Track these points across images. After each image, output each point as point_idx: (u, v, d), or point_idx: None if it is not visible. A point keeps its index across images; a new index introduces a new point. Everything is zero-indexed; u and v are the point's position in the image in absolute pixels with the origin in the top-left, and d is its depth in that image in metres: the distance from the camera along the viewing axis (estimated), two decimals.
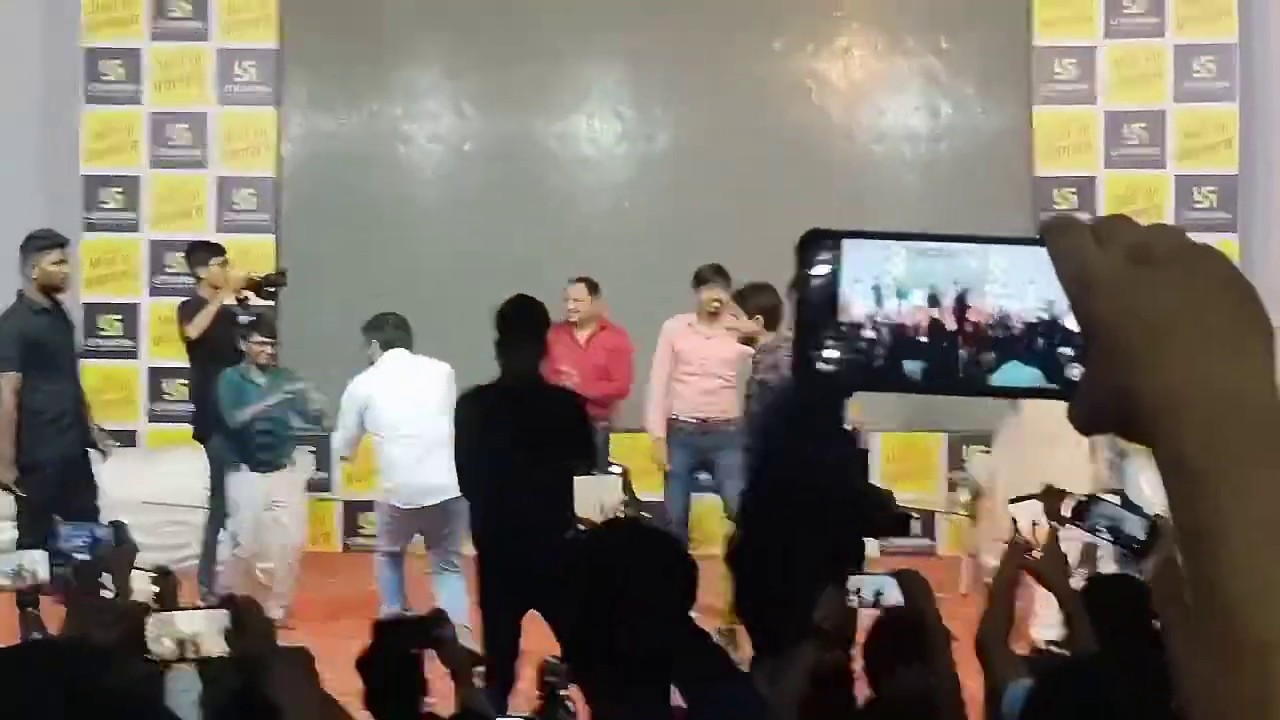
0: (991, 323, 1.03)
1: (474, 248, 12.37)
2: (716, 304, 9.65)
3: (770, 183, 12.31)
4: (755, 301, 8.82)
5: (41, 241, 8.92)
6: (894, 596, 3.83)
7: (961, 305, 1.03)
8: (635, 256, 12.10)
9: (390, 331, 9.03)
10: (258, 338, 9.21)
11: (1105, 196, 12.24)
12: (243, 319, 9.32)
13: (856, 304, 1.05)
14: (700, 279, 9.73)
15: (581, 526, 4.42)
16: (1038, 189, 12.25)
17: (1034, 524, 3.88)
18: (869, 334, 1.04)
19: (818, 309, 1.05)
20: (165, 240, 12.48)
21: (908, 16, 12.62)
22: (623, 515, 4.32)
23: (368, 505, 12.30)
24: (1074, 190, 12.22)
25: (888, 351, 1.04)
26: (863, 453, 6.60)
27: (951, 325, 1.03)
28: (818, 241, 1.10)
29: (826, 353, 1.05)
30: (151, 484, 11.27)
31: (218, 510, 9.60)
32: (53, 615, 4.01)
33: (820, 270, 1.07)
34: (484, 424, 6.68)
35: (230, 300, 9.50)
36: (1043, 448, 7.75)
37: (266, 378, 9.25)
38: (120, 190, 12.52)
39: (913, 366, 1.04)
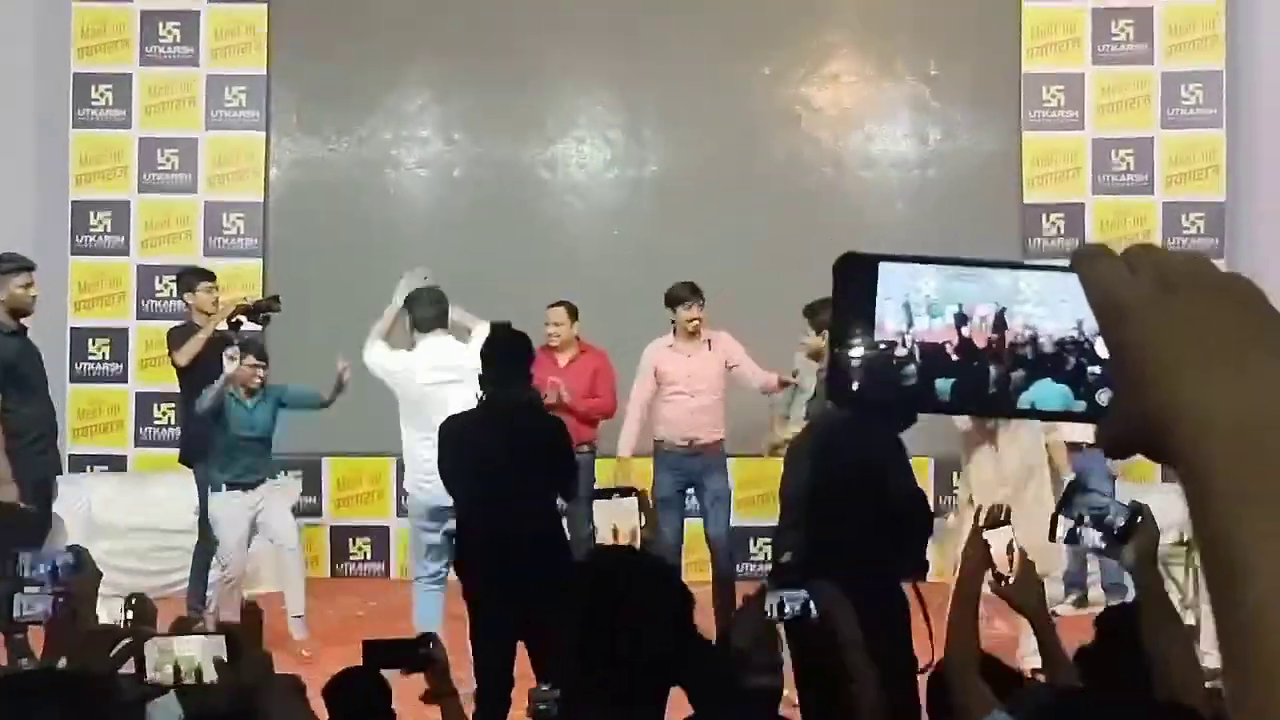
0: (1021, 342, 1.05)
1: (463, 273, 12.33)
2: (695, 323, 9.66)
3: (759, 209, 12.33)
4: (823, 318, 8.67)
5: (8, 265, 8.96)
6: (809, 610, 3.80)
7: (991, 324, 1.05)
8: (624, 282, 12.10)
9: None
10: (251, 360, 9.19)
11: (1093, 223, 12.27)
12: (233, 344, 9.29)
13: (889, 324, 1.06)
14: (676, 299, 9.73)
15: (599, 548, 4.42)
16: (1026, 215, 12.28)
17: (1008, 550, 3.84)
18: (901, 354, 1.05)
19: (852, 330, 1.07)
20: (154, 265, 12.47)
21: (897, 43, 12.65)
22: (640, 538, 4.31)
23: (357, 530, 12.31)
24: (1062, 216, 12.26)
25: (919, 371, 1.05)
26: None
27: (981, 344, 1.05)
28: (853, 264, 1.11)
29: (860, 373, 1.06)
30: (140, 508, 11.27)
31: (206, 534, 9.57)
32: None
33: (855, 292, 1.08)
34: (467, 450, 6.69)
35: (222, 326, 9.49)
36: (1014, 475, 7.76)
37: (253, 400, 9.24)
38: (109, 214, 12.51)
39: (943, 385, 1.05)
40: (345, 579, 11.99)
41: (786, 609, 3.77)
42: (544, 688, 3.56)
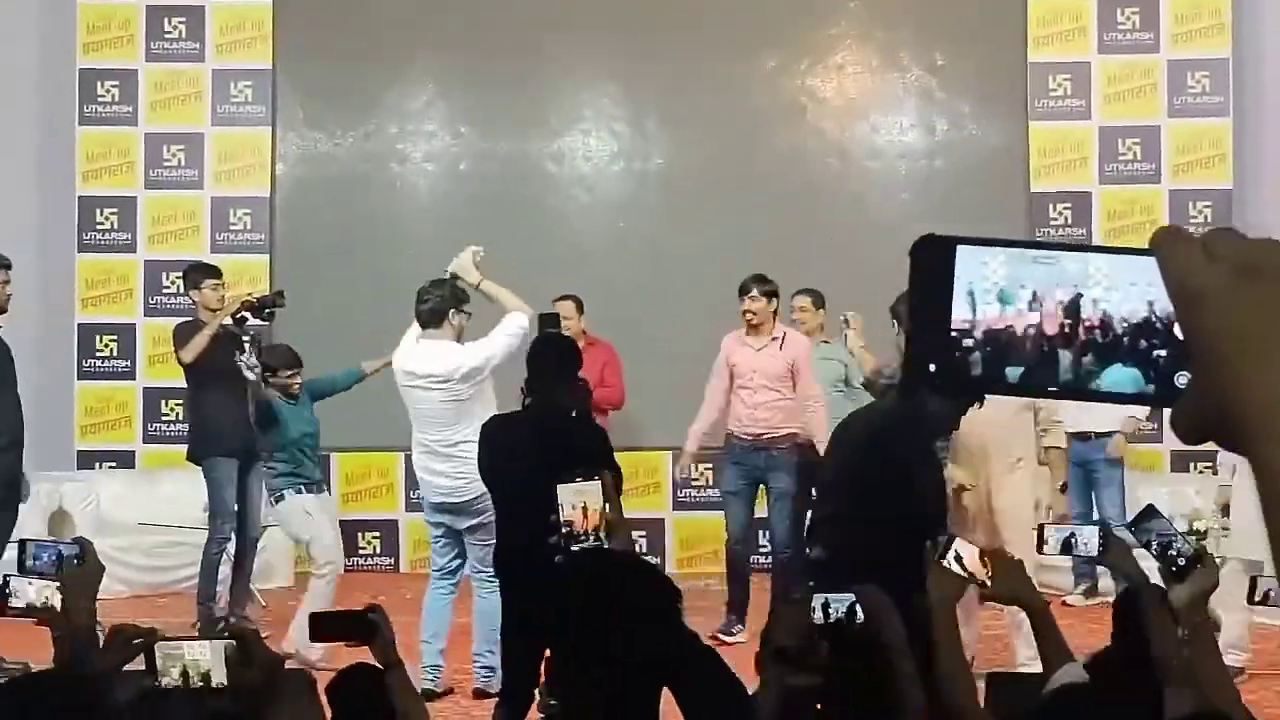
0: (1093, 326, 1.05)
1: None
2: (749, 315, 9.52)
3: (765, 201, 12.32)
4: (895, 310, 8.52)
5: None
6: (855, 614, 3.79)
7: (1065, 309, 1.05)
8: (630, 275, 12.11)
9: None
10: (287, 372, 9.01)
11: (1100, 212, 12.25)
12: (247, 351, 9.16)
13: (964, 308, 1.06)
14: (740, 289, 9.60)
15: (565, 530, 4.42)
16: (1034, 205, 12.26)
17: (980, 559, 3.84)
18: (977, 338, 1.06)
19: (928, 314, 1.07)
20: (161, 260, 12.48)
21: (902, 33, 12.64)
22: (605, 520, 4.31)
23: (366, 524, 12.32)
24: (1069, 206, 12.24)
25: (992, 356, 1.05)
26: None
27: (1053, 329, 1.05)
28: (930, 247, 1.11)
29: (936, 357, 1.06)
30: (148, 505, 11.29)
31: (216, 531, 9.55)
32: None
33: (931, 275, 1.08)
34: (505, 452, 6.67)
35: (227, 321, 9.47)
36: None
37: (299, 401, 9.11)
38: (116, 211, 12.52)
39: (1014, 371, 1.06)
40: (355, 573, 11.97)
41: (831, 612, 3.76)
42: (552, 704, 3.56)
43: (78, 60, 12.50)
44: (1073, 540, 4.09)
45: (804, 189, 12.45)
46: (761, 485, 9.59)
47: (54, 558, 4.03)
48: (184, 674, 3.28)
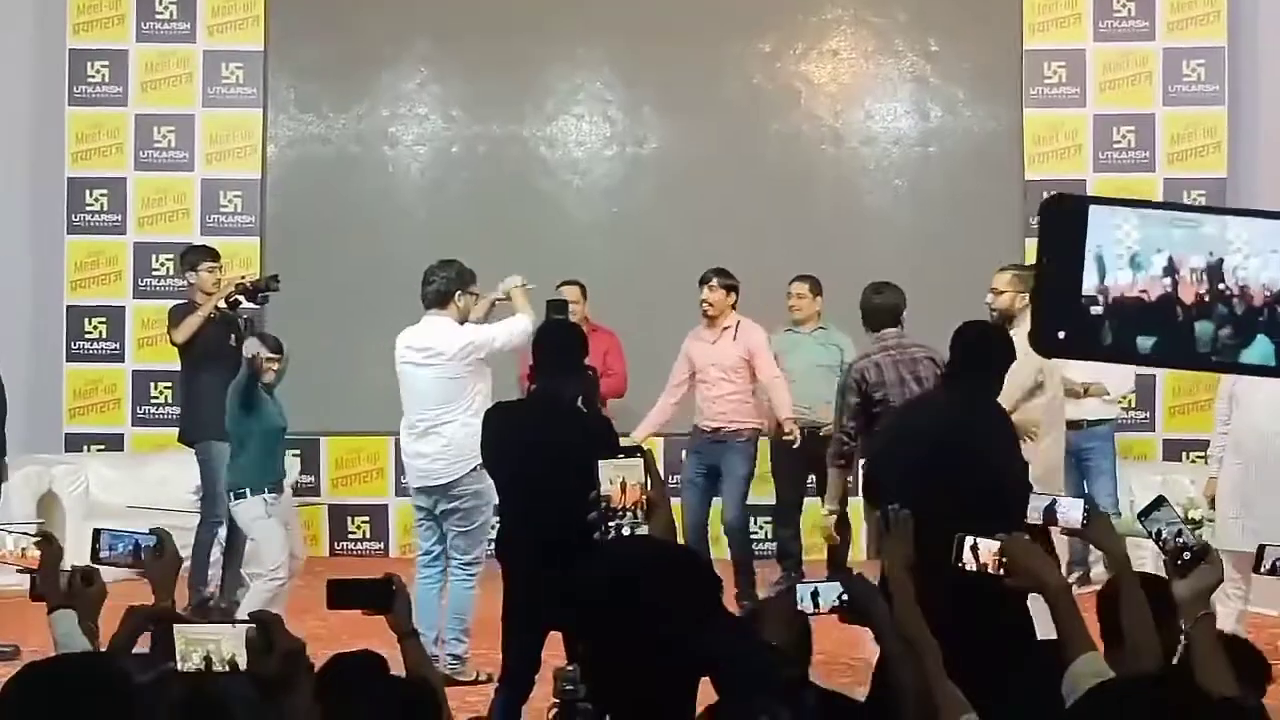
0: (1234, 294, 0.99)
1: (461, 251, 12.28)
2: (707, 306, 9.64)
3: (759, 186, 12.28)
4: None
5: None
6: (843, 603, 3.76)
7: (1205, 277, 0.99)
8: (622, 259, 12.07)
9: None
10: (266, 354, 8.77)
11: None
12: (243, 331, 9.08)
13: (1097, 275, 1.01)
14: (701, 280, 9.71)
15: (603, 506, 4.39)
16: (1028, 192, 12.22)
17: (997, 555, 3.79)
18: (1107, 304, 1.00)
19: (1058, 278, 1.02)
20: (151, 242, 12.42)
21: (897, 19, 12.59)
22: (645, 497, 4.28)
23: (355, 509, 12.28)
24: None
25: (1125, 324, 1.00)
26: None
27: (1190, 299, 1.00)
28: (1060, 207, 1.06)
29: (1066, 323, 1.01)
30: (137, 488, 11.24)
31: (209, 514, 9.50)
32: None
33: (1061, 236, 1.03)
34: (507, 439, 6.63)
35: (221, 305, 9.43)
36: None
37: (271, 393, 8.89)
38: (105, 192, 12.45)
39: (1146, 340, 1.01)
40: (344, 558, 11.97)
41: (820, 602, 3.73)
42: (569, 668, 3.52)
43: (68, 40, 12.42)
44: (1054, 509, 4.09)
45: (797, 174, 12.41)
46: (719, 474, 9.71)
47: (130, 546, 4.03)
48: (207, 659, 3.25)
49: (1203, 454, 10.43)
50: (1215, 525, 8.24)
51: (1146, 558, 9.83)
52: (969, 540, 3.75)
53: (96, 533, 4.09)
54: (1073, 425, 10.06)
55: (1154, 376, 11.79)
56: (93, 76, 12.46)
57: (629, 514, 4.29)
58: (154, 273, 12.41)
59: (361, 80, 12.71)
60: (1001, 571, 3.68)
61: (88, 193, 12.46)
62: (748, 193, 12.24)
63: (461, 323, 8.24)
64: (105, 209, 12.45)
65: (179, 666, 3.24)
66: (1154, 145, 12.18)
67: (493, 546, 7.14)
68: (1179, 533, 3.60)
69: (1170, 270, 1.01)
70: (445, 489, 8.02)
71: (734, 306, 9.75)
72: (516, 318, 8.18)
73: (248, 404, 8.36)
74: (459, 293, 8.26)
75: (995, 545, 3.72)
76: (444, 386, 8.05)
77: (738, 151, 12.40)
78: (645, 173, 12.62)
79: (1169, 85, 12.20)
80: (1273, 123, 12.04)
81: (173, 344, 9.64)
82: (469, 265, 8.55)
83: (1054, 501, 4.17)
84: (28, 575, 4.03)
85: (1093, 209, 1.04)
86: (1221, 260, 1.00)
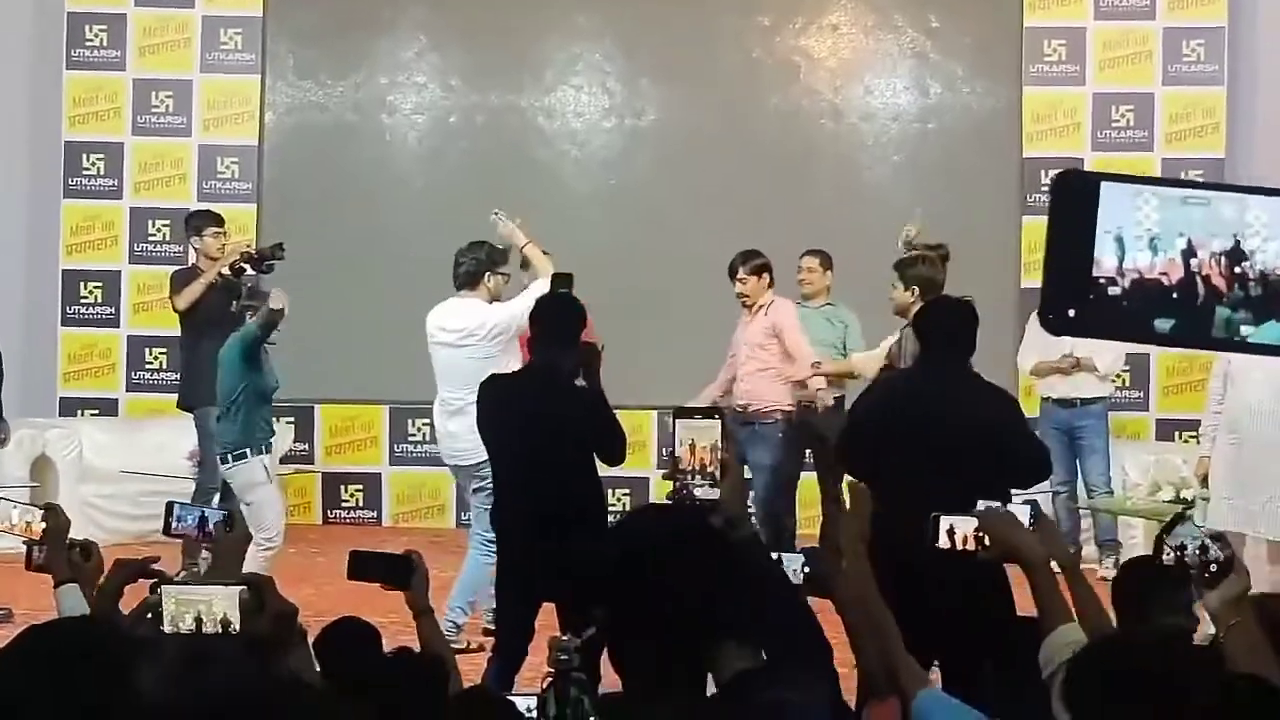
0: (1252, 278, 0.99)
1: (457, 220, 12.28)
2: (743, 298, 9.48)
3: (757, 160, 12.27)
4: (913, 271, 8.20)
5: None
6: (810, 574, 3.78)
7: (1223, 260, 0.99)
8: (620, 231, 12.07)
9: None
10: (254, 301, 8.79)
11: None
12: (244, 294, 9.06)
13: (1110, 254, 1.01)
14: (729, 271, 9.51)
15: (675, 464, 4.40)
16: (1026, 170, 12.22)
17: (976, 533, 3.80)
18: (1123, 285, 1.00)
19: (1068, 256, 1.01)
20: (147, 207, 12.41)
21: None
22: (719, 459, 4.29)
23: (349, 477, 12.29)
24: (1060, 172, 12.19)
25: (1143, 305, 1.00)
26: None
27: (1209, 282, 0.99)
28: (1072, 182, 1.05)
29: (1077, 301, 1.01)
30: (131, 453, 11.24)
31: (207, 481, 9.47)
32: None
33: (1073, 213, 1.02)
34: (501, 412, 6.63)
35: (225, 271, 9.42)
36: None
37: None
38: (102, 157, 12.43)
39: (1164, 323, 1.00)
40: (337, 525, 11.98)
41: (795, 569, 3.75)
42: (564, 638, 3.52)
43: (66, 4, 12.38)
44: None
45: (796, 149, 12.39)
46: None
47: (198, 519, 4.07)
48: (198, 620, 3.27)
49: (1195, 433, 10.44)
50: (1208, 505, 8.26)
51: (1138, 537, 9.91)
52: (944, 521, 3.77)
53: (170, 505, 4.15)
54: (1066, 404, 10.15)
55: (1148, 356, 11.80)
56: (91, 40, 12.43)
57: (697, 475, 4.29)
58: (150, 238, 12.39)
59: (360, 47, 12.69)
60: (979, 548, 3.70)
61: (85, 157, 12.44)
62: (746, 167, 12.23)
63: (491, 303, 8.32)
64: (102, 173, 12.43)
65: (168, 628, 3.25)
66: (1153, 124, 12.17)
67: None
68: (1204, 547, 3.61)
69: (1190, 253, 1.00)
70: (473, 468, 8.06)
71: (771, 286, 9.54)
72: (537, 282, 8.10)
73: (255, 358, 8.31)
74: (488, 273, 8.37)
75: (973, 523, 3.74)
76: (475, 366, 8.02)
77: (736, 125, 12.38)
78: (643, 145, 12.60)
79: (1169, 65, 12.18)
80: (1271, 104, 12.03)
81: (174, 310, 9.64)
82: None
83: (999, 507, 4.15)
84: (24, 544, 4.05)
85: (1105, 186, 1.03)
86: (1240, 243, 1.00)
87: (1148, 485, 9.90)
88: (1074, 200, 1.04)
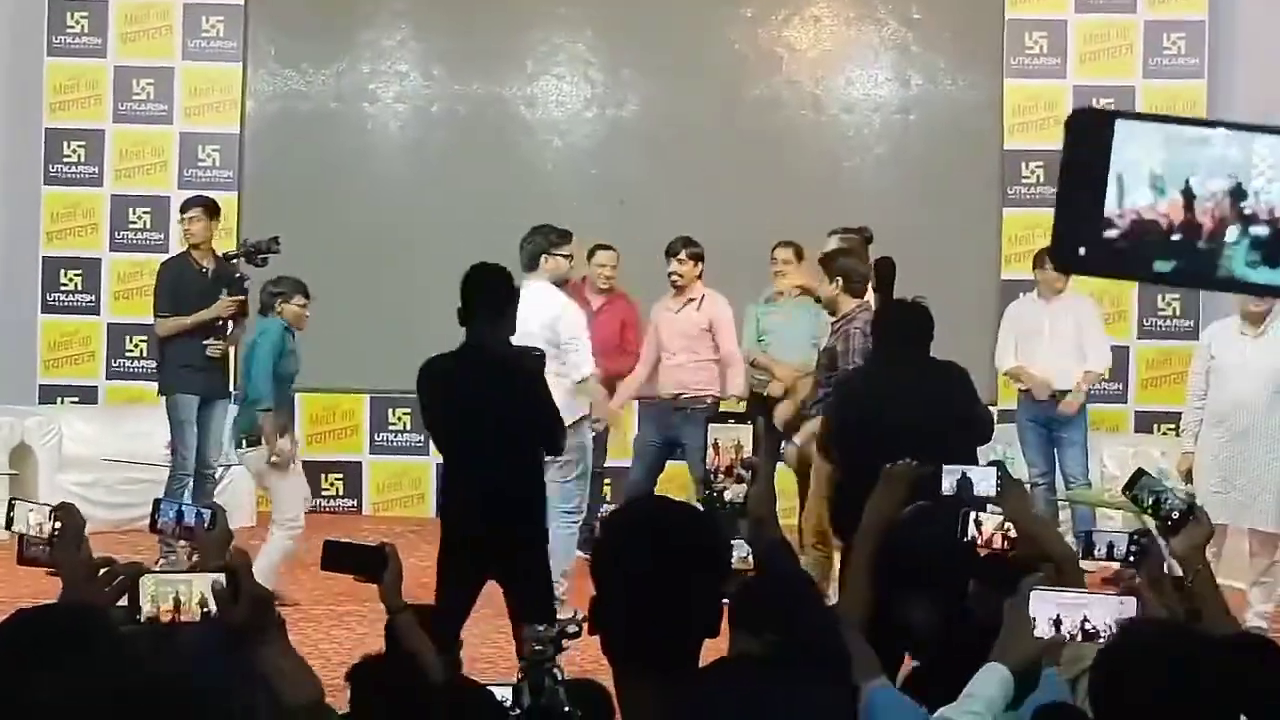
0: (1257, 218, 1.00)
1: (439, 208, 12.31)
2: (676, 278, 9.60)
3: (738, 151, 12.28)
4: (838, 264, 8.35)
5: None
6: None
7: (1226, 200, 1.00)
8: (601, 221, 12.05)
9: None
10: (301, 300, 8.95)
11: None
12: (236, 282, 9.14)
13: (1116, 195, 1.02)
14: (667, 251, 9.67)
15: (709, 467, 4.43)
16: (1006, 162, 12.25)
17: (1000, 529, 3.88)
18: (1124, 227, 1.01)
19: (1081, 193, 1.03)
20: (128, 195, 12.38)
21: None
22: (748, 463, 4.32)
23: (330, 466, 12.28)
24: (1041, 164, 12.22)
25: (1144, 245, 1.01)
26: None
27: (1211, 222, 1.00)
28: (1087, 121, 1.06)
29: (1087, 239, 1.02)
30: (111, 441, 11.23)
31: (179, 468, 9.50)
32: None
33: (1086, 151, 1.03)
34: (441, 394, 6.64)
35: (209, 263, 9.43)
36: None
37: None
38: (83, 144, 12.40)
39: (1166, 264, 1.02)
40: (317, 514, 11.94)
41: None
42: (539, 627, 3.53)
43: None
44: (968, 481, 4.14)
45: (777, 140, 12.41)
46: (674, 445, 9.62)
47: (174, 515, 4.06)
48: (176, 602, 3.26)
49: (1174, 425, 10.48)
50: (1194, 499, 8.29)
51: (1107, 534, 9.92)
52: (973, 516, 3.83)
53: (156, 502, 4.13)
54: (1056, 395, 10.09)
55: (1127, 348, 11.85)
56: (72, 27, 12.39)
57: (723, 476, 4.32)
58: (131, 225, 12.37)
59: (342, 36, 12.67)
60: (1007, 545, 3.77)
61: (65, 144, 12.41)
62: (727, 157, 12.24)
63: (556, 283, 8.51)
64: (83, 161, 12.40)
65: (145, 612, 3.25)
66: None
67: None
68: (1164, 495, 3.73)
69: (1191, 193, 1.02)
70: None
71: (699, 277, 9.70)
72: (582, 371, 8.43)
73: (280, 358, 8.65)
74: (544, 255, 8.52)
75: (997, 519, 3.81)
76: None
77: (718, 116, 12.39)
78: (625, 135, 12.61)
79: (1149, 58, 12.21)
80: (1251, 97, 12.05)
81: (156, 315, 9.61)
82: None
83: (963, 474, 4.22)
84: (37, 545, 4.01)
85: (1119, 124, 1.05)
86: (1243, 183, 1.02)
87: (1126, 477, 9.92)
88: (1089, 138, 1.05)
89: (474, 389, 6.44)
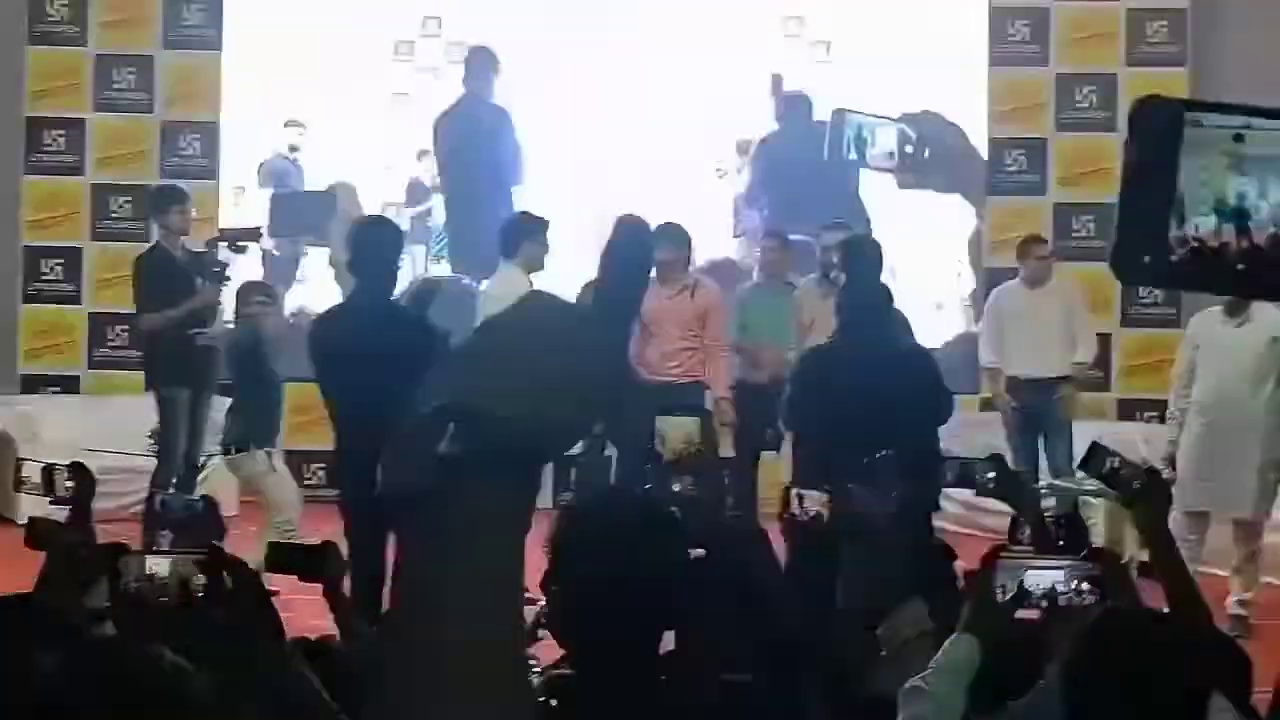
0: None
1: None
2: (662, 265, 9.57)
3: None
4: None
5: None
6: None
7: None
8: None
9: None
10: (258, 297, 8.95)
11: (1055, 160, 12.25)
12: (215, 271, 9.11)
13: (1177, 218, 0.98)
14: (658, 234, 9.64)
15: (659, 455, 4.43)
16: (989, 151, 12.25)
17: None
18: (1190, 247, 0.98)
19: (1147, 200, 0.98)
20: (109, 184, 12.35)
21: None
22: (697, 454, 4.32)
23: (312, 455, 12.22)
24: (1024, 153, 12.23)
25: (1208, 265, 0.98)
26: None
27: (1270, 241, 0.97)
28: (1154, 115, 1.02)
29: (1152, 248, 0.99)
30: (94, 430, 11.18)
31: (167, 461, 9.45)
32: None
33: (1154, 152, 0.99)
34: (326, 348, 6.64)
35: (200, 249, 9.37)
36: None
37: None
38: (63, 133, 12.36)
39: (1225, 283, 0.98)
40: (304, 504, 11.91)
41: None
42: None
43: None
44: (971, 470, 4.18)
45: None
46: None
47: (160, 505, 4.07)
48: (150, 580, 3.25)
49: (1156, 413, 10.50)
50: (1175, 487, 8.31)
51: (1097, 518, 9.94)
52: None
53: (150, 497, 4.15)
54: (1031, 383, 10.05)
55: (1110, 336, 11.85)
56: (52, 15, 12.35)
57: (674, 471, 4.31)
58: (112, 214, 12.33)
59: None
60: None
61: (46, 133, 12.37)
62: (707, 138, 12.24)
63: (528, 271, 8.64)
64: (63, 149, 12.36)
65: (130, 587, 3.23)
66: (1116, 105, 12.20)
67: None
68: (1120, 466, 3.77)
69: (1256, 212, 0.99)
70: None
71: (688, 263, 9.73)
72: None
73: (255, 362, 8.66)
74: (526, 242, 8.73)
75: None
76: None
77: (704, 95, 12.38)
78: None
79: (1132, 46, 12.21)
80: (1234, 85, 12.05)
81: (136, 307, 9.50)
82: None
83: (965, 462, 4.26)
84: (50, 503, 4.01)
85: (1189, 116, 1.00)
86: None
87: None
88: (1154, 136, 1.00)
89: (356, 341, 6.41)
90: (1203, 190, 0.99)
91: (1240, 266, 0.98)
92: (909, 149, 11.07)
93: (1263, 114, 1.00)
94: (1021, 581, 3.16)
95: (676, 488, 4.29)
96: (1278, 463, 8.25)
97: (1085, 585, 3.17)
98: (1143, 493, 3.73)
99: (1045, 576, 3.19)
